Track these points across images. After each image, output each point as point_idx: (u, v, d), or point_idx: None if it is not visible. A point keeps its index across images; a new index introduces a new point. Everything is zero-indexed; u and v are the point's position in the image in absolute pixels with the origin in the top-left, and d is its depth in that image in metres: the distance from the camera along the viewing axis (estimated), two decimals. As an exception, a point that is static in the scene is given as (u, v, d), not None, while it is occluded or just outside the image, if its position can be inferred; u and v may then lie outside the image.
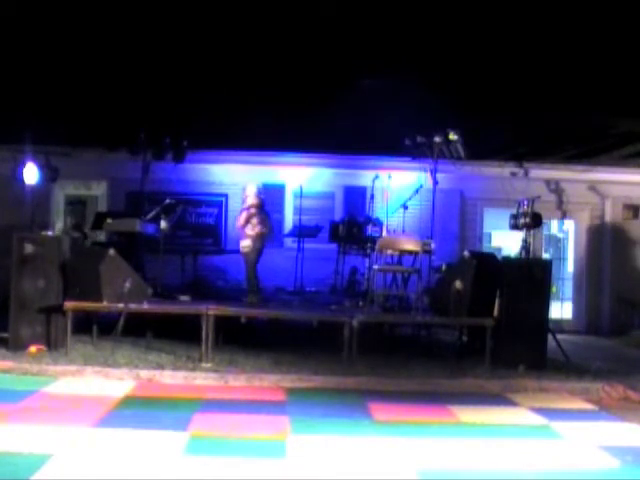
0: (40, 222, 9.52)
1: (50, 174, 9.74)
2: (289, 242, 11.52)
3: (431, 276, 9.40)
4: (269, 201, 10.59)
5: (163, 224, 9.49)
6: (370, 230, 9.73)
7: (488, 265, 8.38)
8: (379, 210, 10.46)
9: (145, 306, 7.92)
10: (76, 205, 12.24)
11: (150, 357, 7.53)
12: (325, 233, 10.53)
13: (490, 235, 13.05)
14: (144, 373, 6.96)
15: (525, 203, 8.92)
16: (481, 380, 7.24)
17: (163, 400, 6.25)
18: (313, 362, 7.52)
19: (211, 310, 7.47)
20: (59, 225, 11.74)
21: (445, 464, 4.71)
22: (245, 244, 9.53)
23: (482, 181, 12.05)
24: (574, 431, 5.62)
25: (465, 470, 4.61)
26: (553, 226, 13.40)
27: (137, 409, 5.87)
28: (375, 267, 8.93)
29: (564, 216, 12.71)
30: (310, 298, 9.93)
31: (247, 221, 9.54)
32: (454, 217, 12.12)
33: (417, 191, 9.94)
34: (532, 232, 9.06)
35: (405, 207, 9.93)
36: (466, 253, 8.64)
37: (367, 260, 9.89)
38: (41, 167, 9.25)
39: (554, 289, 11.08)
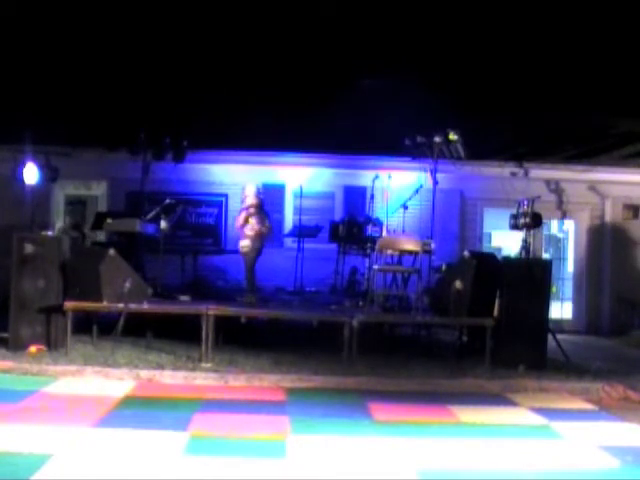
0: (40, 222, 9.51)
1: (50, 174, 9.74)
2: (289, 242, 11.52)
3: (431, 276, 9.40)
4: (269, 201, 10.59)
5: (163, 224, 9.49)
6: (370, 230, 9.74)
7: (488, 265, 8.38)
8: (379, 210, 10.46)
9: (145, 306, 7.92)
10: (76, 205, 12.24)
11: (150, 357, 7.53)
12: (325, 233, 10.53)
13: (490, 235, 13.06)
14: (144, 373, 6.96)
15: (525, 203, 8.92)
16: (481, 380, 7.24)
17: (163, 400, 6.25)
18: (313, 362, 7.52)
19: (211, 310, 7.47)
20: (59, 225, 11.74)
21: (445, 464, 4.70)
22: (244, 244, 9.53)
23: (482, 181, 12.05)
24: (574, 431, 5.62)
25: (465, 470, 4.60)
26: (553, 226, 13.40)
27: (137, 409, 5.86)
28: (375, 267, 8.93)
29: (564, 216, 12.71)
30: (310, 298, 9.93)
31: (246, 221, 9.55)
32: (454, 217, 12.12)
33: (417, 191, 9.95)
34: (532, 232, 9.05)
35: (405, 207, 9.93)
36: (466, 253, 8.64)
37: (367, 260, 9.89)
38: (41, 167, 9.24)
39: (554, 289, 11.08)
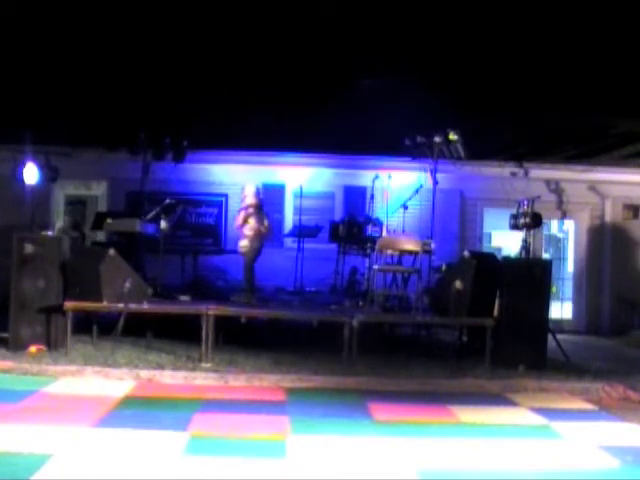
0: (40, 222, 9.51)
1: (50, 174, 9.74)
2: (289, 242, 11.53)
3: (431, 276, 9.40)
4: (269, 201, 10.60)
5: (163, 224, 9.49)
6: (370, 230, 9.74)
7: (488, 265, 8.38)
8: (379, 210, 10.47)
9: (145, 306, 7.92)
10: (76, 205, 12.25)
11: (150, 357, 7.53)
12: (325, 233, 10.53)
13: (490, 235, 13.06)
14: (144, 373, 6.96)
15: (525, 203, 8.92)
16: (481, 380, 7.24)
17: (163, 400, 6.25)
18: (313, 362, 7.52)
19: (211, 310, 7.47)
20: (59, 225, 11.74)
21: (445, 464, 4.71)
22: (243, 244, 9.54)
23: (482, 181, 12.05)
24: (574, 431, 5.62)
25: (465, 470, 4.60)
26: (553, 226, 13.40)
27: (137, 409, 5.86)
28: (375, 267, 8.93)
29: (564, 216, 12.72)
30: (310, 298, 9.92)
31: (245, 221, 9.55)
32: (454, 217, 12.13)
33: (417, 191, 9.94)
34: (532, 232, 9.05)
35: (405, 207, 9.93)
36: (466, 253, 8.64)
37: (367, 260, 9.89)
38: (41, 167, 9.24)
39: (554, 289, 11.08)
